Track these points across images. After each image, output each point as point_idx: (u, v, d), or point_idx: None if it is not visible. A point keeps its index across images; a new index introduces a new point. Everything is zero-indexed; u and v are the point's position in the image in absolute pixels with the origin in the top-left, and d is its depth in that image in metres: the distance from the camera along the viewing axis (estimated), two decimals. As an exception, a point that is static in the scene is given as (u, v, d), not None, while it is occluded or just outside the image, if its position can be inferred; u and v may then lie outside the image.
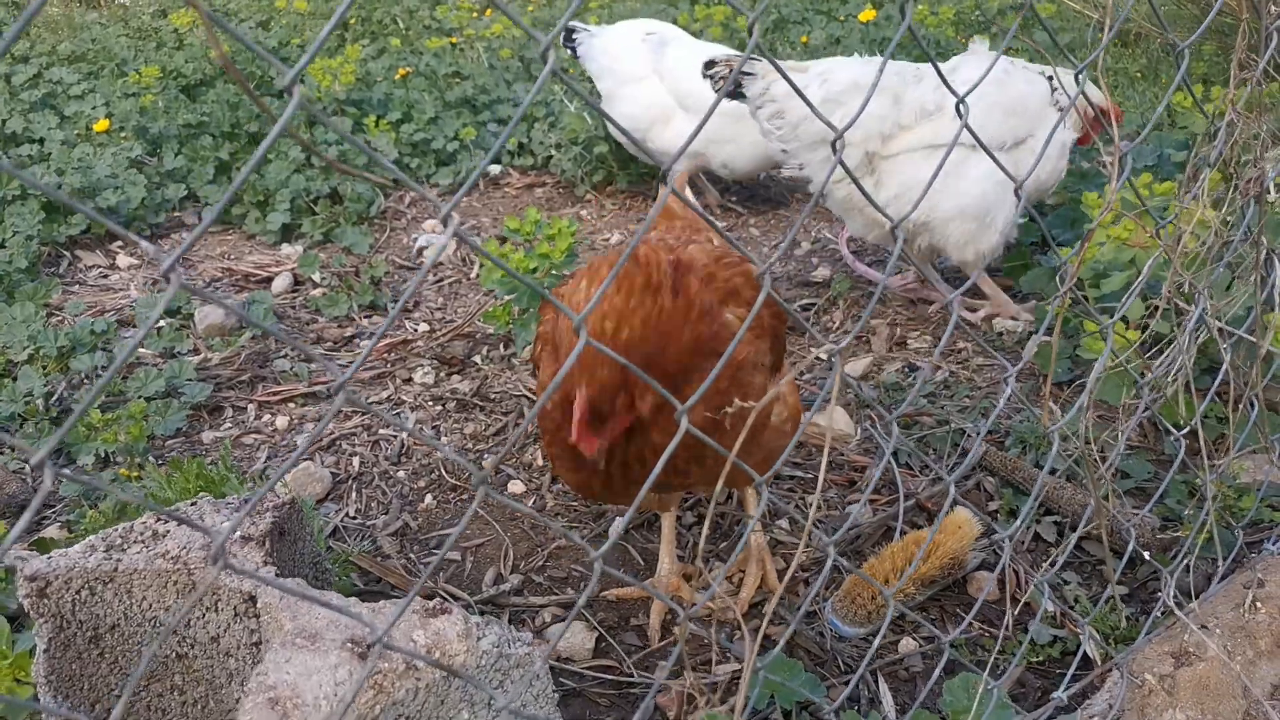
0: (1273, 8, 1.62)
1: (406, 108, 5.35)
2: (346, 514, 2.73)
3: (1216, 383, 1.89)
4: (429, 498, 2.81)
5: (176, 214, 4.71)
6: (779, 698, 2.05)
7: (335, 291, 3.85)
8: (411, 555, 2.59)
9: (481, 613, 2.38)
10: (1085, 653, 2.13)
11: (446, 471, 2.89)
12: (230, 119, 5.05)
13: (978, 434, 2.94)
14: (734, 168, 4.39)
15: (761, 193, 5.04)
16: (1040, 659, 2.23)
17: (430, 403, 3.20)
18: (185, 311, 3.65)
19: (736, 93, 3.29)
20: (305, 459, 2.93)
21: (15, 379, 3.09)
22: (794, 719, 2.08)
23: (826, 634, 2.34)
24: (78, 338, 3.26)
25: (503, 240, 3.23)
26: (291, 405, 3.20)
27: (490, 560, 2.58)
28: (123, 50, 6.03)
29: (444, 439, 3.03)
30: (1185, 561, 2.04)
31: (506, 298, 2.91)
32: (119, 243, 4.45)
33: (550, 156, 5.13)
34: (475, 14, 7.37)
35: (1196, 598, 2.18)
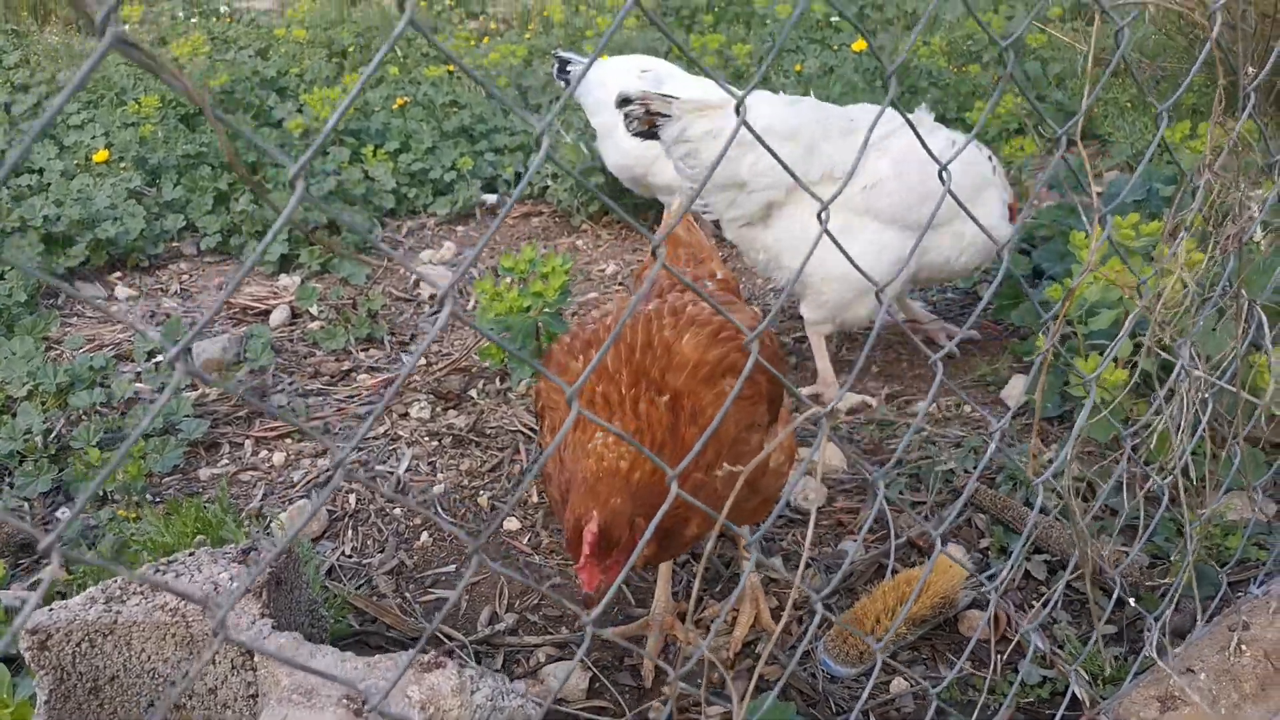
0: (1250, 69, 1.66)
1: (404, 137, 5.40)
2: (343, 552, 2.75)
3: (1200, 429, 1.92)
4: (425, 535, 2.83)
5: (175, 244, 4.74)
6: (772, 741, 2.07)
7: (333, 325, 3.88)
8: (407, 594, 2.61)
9: (476, 654, 2.40)
10: (1074, 693, 2.15)
11: (443, 509, 2.92)
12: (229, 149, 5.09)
13: (971, 473, 2.97)
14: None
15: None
16: (1030, 699, 2.25)
17: (426, 438, 3.23)
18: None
19: (651, 132, 3.29)
20: (301, 497, 2.95)
21: (15, 415, 3.11)
22: (786, 762, 2.09)
23: (819, 674, 2.36)
24: (76, 374, 3.29)
25: (497, 276, 3.26)
26: (288, 441, 3.22)
27: (485, 599, 2.60)
28: (122, 79, 6.08)
29: (440, 475, 3.06)
30: (1168, 609, 2.06)
31: (502, 335, 2.94)
32: (118, 273, 4.48)
33: (547, 186, 5.17)
34: (472, 42, 7.43)
35: (1184, 638, 2.21)
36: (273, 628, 1.68)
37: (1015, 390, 3.34)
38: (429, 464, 3.12)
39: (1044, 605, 2.44)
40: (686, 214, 2.73)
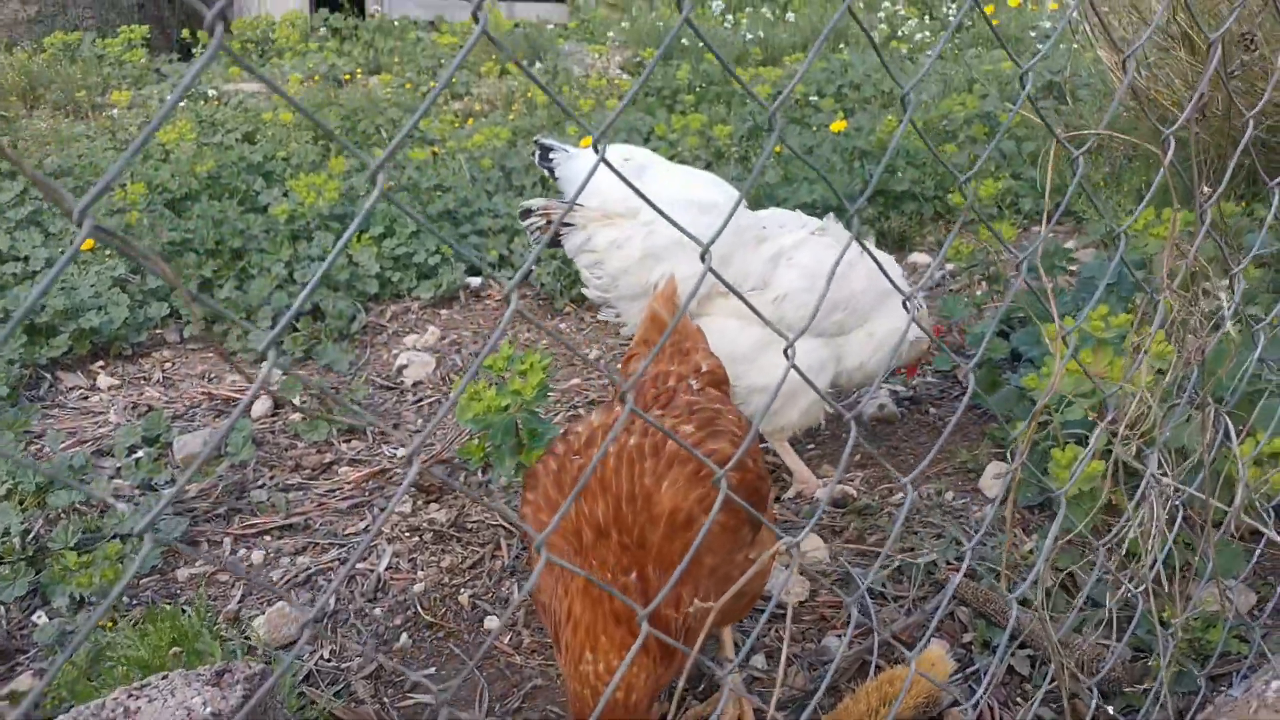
0: (1205, 187, 1.71)
1: (389, 222, 5.45)
2: (321, 656, 2.72)
3: (1175, 531, 1.94)
4: (404, 636, 2.81)
5: (158, 331, 4.76)
6: None
7: (315, 416, 3.88)
8: (385, 699, 2.58)
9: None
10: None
11: (423, 608, 2.90)
12: (215, 235, 5.14)
13: (953, 564, 2.97)
14: None
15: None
16: (1015, 805, 2.23)
17: (407, 533, 3.21)
18: (164, 440, 3.67)
19: (555, 242, 3.33)
20: (279, 599, 2.93)
21: (-8, 515, 3.09)
22: None
23: (802, 780, 2.33)
24: (55, 473, 3.28)
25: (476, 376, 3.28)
26: (268, 538, 3.21)
27: (466, 702, 2.57)
28: (109, 164, 6.14)
29: (420, 573, 3.04)
30: (1153, 709, 2.06)
31: (481, 433, 2.95)
32: (100, 362, 4.49)
33: (530, 271, 5.22)
34: (456, 124, 7.54)
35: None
36: (245, 755, 1.66)
37: (998, 488, 3.36)
38: (409, 560, 3.10)
39: (1029, 703, 2.43)
40: (672, 297, 2.76)
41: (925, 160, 6.01)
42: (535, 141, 4.16)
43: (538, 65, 9.67)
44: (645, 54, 10.08)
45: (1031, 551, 2.98)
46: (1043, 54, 1.57)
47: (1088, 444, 2.47)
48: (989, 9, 9.96)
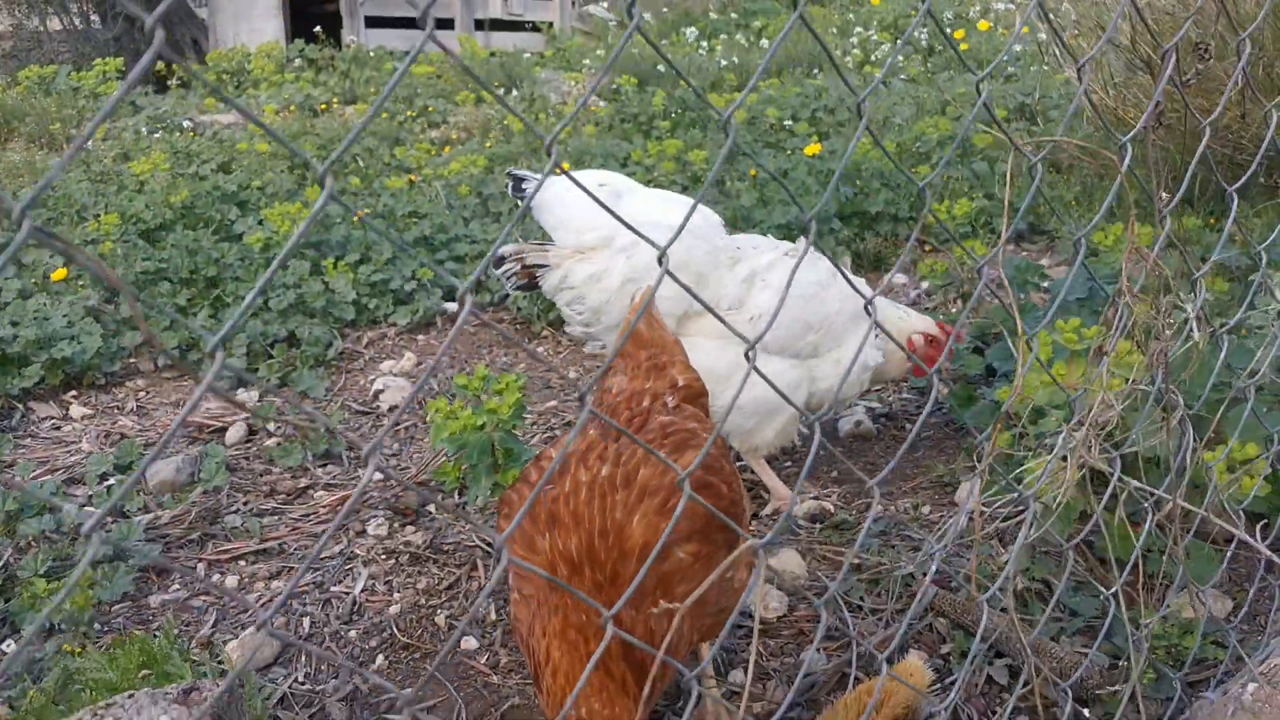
0: (1164, 194, 1.73)
1: (365, 248, 5.45)
2: (295, 679, 2.69)
3: (1141, 543, 1.95)
4: (380, 658, 2.78)
5: (132, 360, 4.72)
6: None
7: (289, 441, 3.86)
8: (361, 723, 2.55)
9: (431, 784, 2.35)
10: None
11: (399, 630, 2.87)
12: (189, 264, 5.12)
13: (929, 577, 2.97)
14: None
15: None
16: (994, 814, 2.22)
17: (383, 556, 3.19)
18: (136, 467, 3.64)
19: (532, 284, 3.35)
20: (252, 623, 2.90)
21: (-40, 545, 3.05)
22: None
23: (781, 794, 2.31)
24: (25, 501, 3.24)
25: (452, 396, 3.27)
26: (242, 563, 3.18)
27: (442, 723, 2.55)
28: (83, 195, 6.12)
29: (396, 595, 3.02)
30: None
31: (456, 455, 2.94)
32: (73, 392, 4.45)
33: (507, 294, 5.22)
34: (433, 152, 7.56)
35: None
36: (213, 774, 1.64)
37: (969, 494, 3.37)
38: (385, 583, 3.08)
39: (1003, 709, 2.43)
40: (649, 309, 2.76)
41: (900, 182, 6.07)
42: (508, 174, 4.16)
43: (514, 93, 9.72)
44: (622, 80, 10.16)
45: (1008, 562, 2.98)
46: (996, 62, 1.60)
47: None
48: (959, 34, 10.11)
